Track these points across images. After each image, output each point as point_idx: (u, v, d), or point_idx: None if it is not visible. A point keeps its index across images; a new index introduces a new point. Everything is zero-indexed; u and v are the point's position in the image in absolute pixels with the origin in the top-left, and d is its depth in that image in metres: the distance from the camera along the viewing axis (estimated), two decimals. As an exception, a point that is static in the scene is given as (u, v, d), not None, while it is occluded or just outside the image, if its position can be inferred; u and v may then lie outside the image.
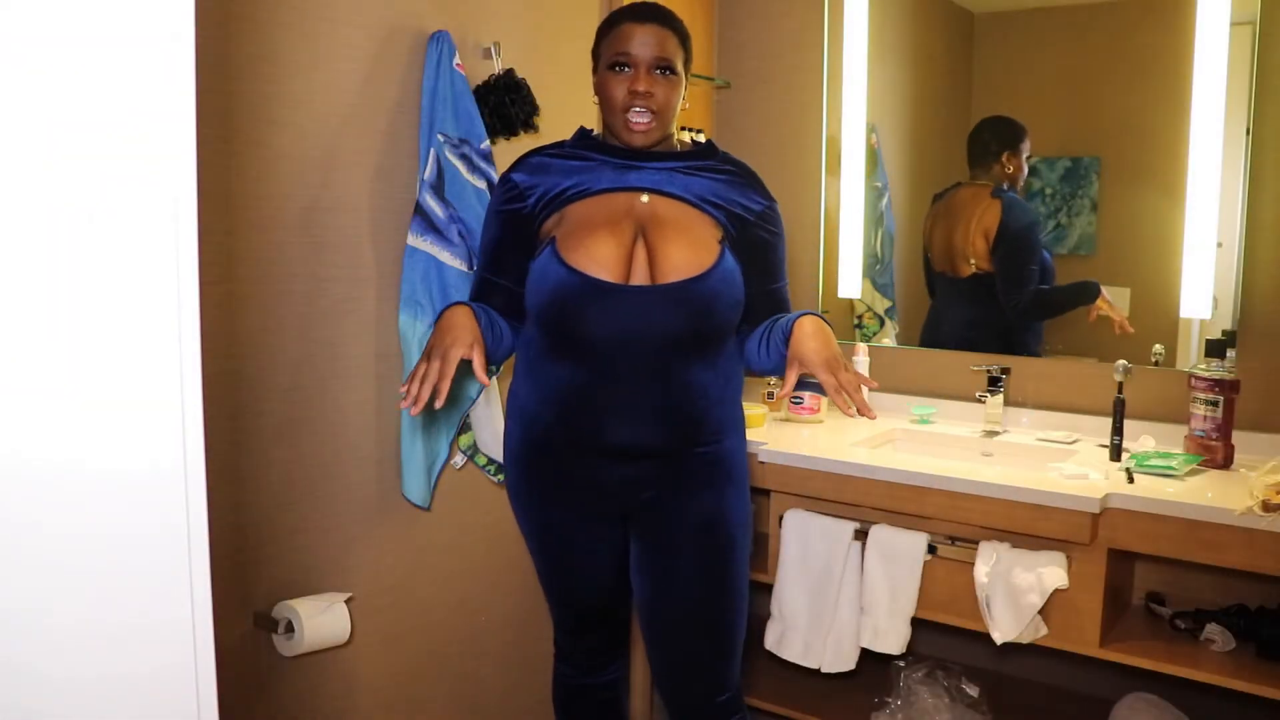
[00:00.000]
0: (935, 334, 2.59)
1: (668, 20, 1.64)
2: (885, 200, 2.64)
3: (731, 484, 1.71)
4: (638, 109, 1.61)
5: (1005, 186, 2.43)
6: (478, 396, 1.95)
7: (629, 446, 1.64)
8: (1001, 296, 2.44)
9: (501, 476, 2.04)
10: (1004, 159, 2.42)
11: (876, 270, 2.65)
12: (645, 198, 1.65)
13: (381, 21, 1.85)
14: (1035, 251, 2.42)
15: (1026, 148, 2.39)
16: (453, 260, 1.90)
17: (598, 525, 1.74)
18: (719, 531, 1.70)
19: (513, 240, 1.68)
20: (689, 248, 1.61)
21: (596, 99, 1.68)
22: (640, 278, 1.60)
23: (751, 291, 1.67)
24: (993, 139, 2.43)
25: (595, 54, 1.68)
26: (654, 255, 1.60)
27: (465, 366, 1.93)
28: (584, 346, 1.61)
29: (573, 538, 1.76)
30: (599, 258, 1.59)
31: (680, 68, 1.64)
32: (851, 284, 2.66)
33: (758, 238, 1.69)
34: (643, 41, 1.60)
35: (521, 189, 1.67)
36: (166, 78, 0.68)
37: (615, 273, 1.59)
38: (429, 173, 1.87)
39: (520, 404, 1.72)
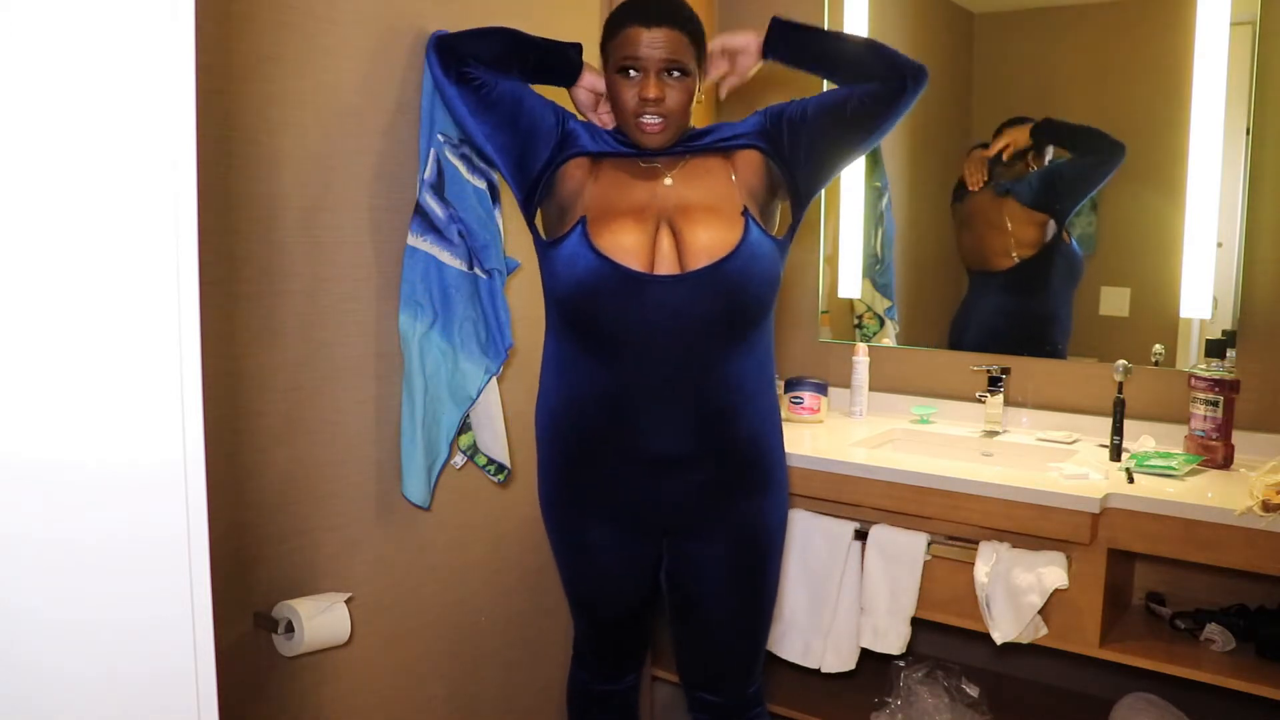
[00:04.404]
0: (966, 326, 2.57)
1: (676, 20, 1.56)
2: (885, 200, 2.64)
3: (770, 488, 1.68)
4: (649, 114, 1.58)
5: (1006, 183, 2.44)
6: (478, 396, 1.95)
7: (668, 454, 1.60)
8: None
9: (502, 476, 2.04)
10: (1029, 159, 2.42)
11: (876, 270, 2.65)
12: (669, 180, 1.63)
13: (381, 21, 1.85)
14: (1074, 173, 2.41)
15: (1050, 151, 2.40)
16: (452, 260, 1.89)
17: (638, 542, 1.72)
18: (758, 542, 1.68)
19: (529, 110, 1.70)
20: (715, 227, 1.56)
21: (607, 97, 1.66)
22: (667, 266, 1.56)
23: (833, 109, 1.69)
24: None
25: (603, 52, 1.63)
26: (681, 241, 1.56)
27: (468, 365, 1.94)
28: (613, 341, 1.57)
29: (610, 555, 1.73)
30: (626, 245, 1.56)
31: (693, 66, 1.59)
32: (851, 284, 2.66)
33: (786, 119, 1.68)
34: (651, 45, 1.54)
35: (570, 119, 1.72)
36: (166, 77, 0.68)
37: (641, 262, 1.56)
38: (429, 173, 1.87)
39: (550, 408, 1.69)
